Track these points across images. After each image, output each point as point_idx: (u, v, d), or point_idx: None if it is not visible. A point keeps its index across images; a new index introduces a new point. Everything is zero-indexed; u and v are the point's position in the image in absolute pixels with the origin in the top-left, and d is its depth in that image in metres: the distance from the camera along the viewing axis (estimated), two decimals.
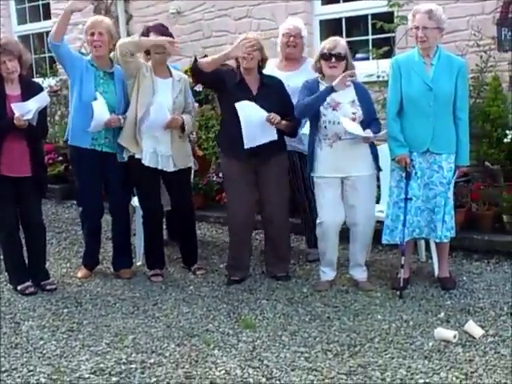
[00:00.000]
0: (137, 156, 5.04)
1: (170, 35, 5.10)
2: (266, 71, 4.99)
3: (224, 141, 5.06)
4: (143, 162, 5.01)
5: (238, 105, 4.71)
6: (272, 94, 4.78)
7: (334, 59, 4.57)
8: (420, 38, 4.45)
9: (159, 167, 5.05)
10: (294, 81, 5.04)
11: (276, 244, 5.06)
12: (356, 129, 4.51)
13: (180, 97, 5.09)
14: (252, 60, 4.78)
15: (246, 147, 4.72)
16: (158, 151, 5.02)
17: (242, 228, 4.99)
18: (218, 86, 4.90)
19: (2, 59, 4.72)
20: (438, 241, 4.66)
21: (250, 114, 4.70)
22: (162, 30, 5.10)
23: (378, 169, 4.76)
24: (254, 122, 4.69)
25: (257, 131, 4.71)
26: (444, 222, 4.57)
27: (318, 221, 4.81)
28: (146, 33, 5.08)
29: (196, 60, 4.77)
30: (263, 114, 4.68)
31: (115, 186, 5.21)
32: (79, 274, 5.40)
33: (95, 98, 4.96)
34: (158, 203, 5.21)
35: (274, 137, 4.74)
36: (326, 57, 4.59)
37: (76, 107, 5.08)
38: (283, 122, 4.75)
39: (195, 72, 4.82)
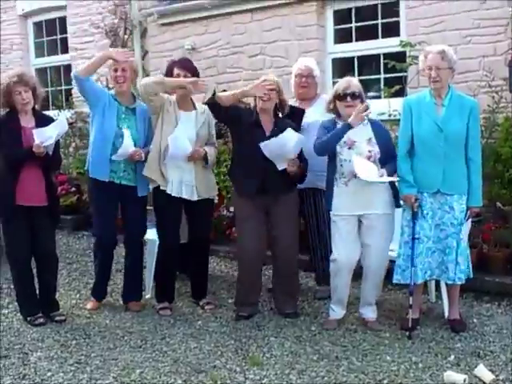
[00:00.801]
0: (161, 187, 5.07)
1: (195, 69, 5.16)
2: None
3: (235, 178, 5.10)
4: (168, 191, 5.03)
5: (289, 130, 4.73)
6: None
7: (349, 98, 4.61)
8: (433, 78, 4.48)
9: (183, 196, 5.07)
10: (309, 116, 5.13)
11: (285, 281, 5.05)
12: (368, 175, 4.50)
13: (203, 129, 5.13)
14: (269, 101, 4.83)
15: (260, 144, 4.69)
16: (182, 180, 5.05)
17: (252, 264, 4.99)
18: (234, 121, 4.93)
19: (17, 90, 4.81)
20: (450, 282, 4.63)
21: (289, 143, 4.69)
22: (187, 65, 5.13)
23: (398, 206, 4.73)
24: (283, 148, 4.68)
25: (276, 152, 4.70)
26: (457, 264, 4.54)
27: (332, 257, 4.80)
28: (170, 68, 5.12)
29: (214, 93, 4.82)
30: (293, 155, 4.72)
31: (132, 219, 5.25)
32: (88, 306, 5.41)
33: (120, 135, 5.02)
34: (176, 236, 5.23)
35: (279, 167, 4.75)
36: (340, 97, 4.63)
37: (96, 140, 5.14)
38: (294, 169, 4.78)
39: (212, 105, 4.86)
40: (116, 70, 5.09)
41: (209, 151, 5.10)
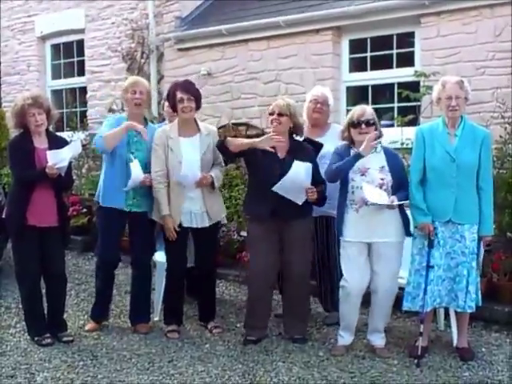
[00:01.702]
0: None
1: (197, 92, 5.13)
2: None
3: (249, 202, 5.09)
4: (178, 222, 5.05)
5: (296, 162, 4.74)
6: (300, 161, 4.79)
7: (363, 126, 4.63)
8: (452, 107, 4.49)
9: (193, 225, 5.10)
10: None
11: (295, 305, 5.03)
12: (378, 199, 4.51)
13: (208, 152, 5.10)
14: (280, 125, 4.86)
15: (273, 189, 4.73)
16: (192, 210, 5.07)
17: (262, 288, 4.98)
18: (246, 153, 4.94)
19: (31, 111, 4.86)
20: (459, 310, 4.60)
21: (299, 175, 4.71)
22: (189, 88, 5.09)
23: (408, 234, 4.73)
24: (296, 182, 4.70)
25: (291, 188, 4.72)
26: (468, 293, 4.52)
27: (341, 283, 4.79)
28: (173, 91, 5.09)
29: (225, 137, 4.90)
30: (307, 183, 4.73)
31: (140, 242, 5.27)
32: (86, 327, 5.40)
33: (130, 160, 5.06)
34: (184, 260, 5.24)
35: (300, 202, 4.77)
36: (355, 125, 4.66)
37: (109, 168, 5.20)
38: (315, 196, 4.77)
39: (221, 149, 4.96)
40: (134, 92, 5.15)
41: (215, 174, 5.08)
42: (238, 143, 4.96)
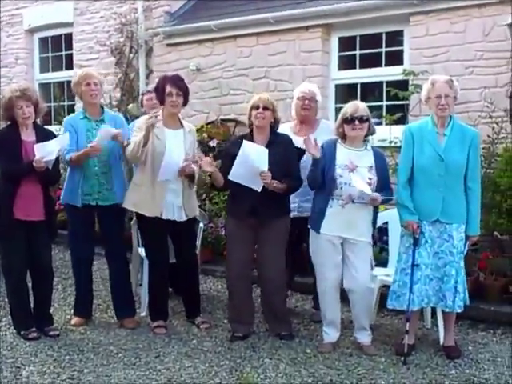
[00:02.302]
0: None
1: (186, 88, 5.13)
2: None
3: (230, 200, 5.13)
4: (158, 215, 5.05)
5: (245, 142, 4.78)
6: (277, 153, 4.80)
7: (357, 122, 4.64)
8: (442, 105, 4.49)
9: (173, 218, 5.08)
10: None
11: (272, 304, 5.05)
12: (365, 188, 4.54)
13: (190, 149, 5.12)
14: (264, 119, 4.88)
15: (229, 177, 4.77)
16: (173, 203, 5.06)
17: (238, 281, 4.99)
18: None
19: (19, 104, 4.83)
20: (448, 310, 4.62)
21: (251, 157, 4.71)
22: (178, 83, 5.08)
23: (372, 237, 4.83)
24: (249, 166, 4.71)
25: (246, 174, 4.73)
26: (457, 292, 4.54)
27: (317, 280, 4.85)
28: (162, 84, 5.07)
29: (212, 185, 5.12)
30: (262, 166, 4.71)
31: (111, 236, 5.29)
32: (73, 322, 5.39)
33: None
34: (165, 255, 5.23)
35: (258, 189, 4.75)
36: (348, 120, 4.67)
37: (71, 168, 5.24)
38: (274, 183, 4.75)
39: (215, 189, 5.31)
40: (89, 84, 5.17)
41: (197, 170, 5.08)
42: (215, 178, 4.96)
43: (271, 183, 4.74)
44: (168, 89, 5.01)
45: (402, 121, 6.58)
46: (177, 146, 5.03)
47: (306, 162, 4.96)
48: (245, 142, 4.79)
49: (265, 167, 4.71)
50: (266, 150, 4.75)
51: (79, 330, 5.23)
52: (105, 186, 5.20)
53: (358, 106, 4.71)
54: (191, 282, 5.41)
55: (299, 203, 5.21)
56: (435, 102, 4.53)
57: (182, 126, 5.17)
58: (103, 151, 5.12)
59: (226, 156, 5.05)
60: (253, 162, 4.71)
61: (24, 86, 5.00)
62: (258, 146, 4.81)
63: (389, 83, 7.00)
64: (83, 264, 5.34)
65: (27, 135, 4.92)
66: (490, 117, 6.22)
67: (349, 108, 4.72)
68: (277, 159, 4.77)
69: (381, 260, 5.73)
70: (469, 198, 4.58)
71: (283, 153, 4.88)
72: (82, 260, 5.33)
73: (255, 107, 4.90)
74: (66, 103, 9.99)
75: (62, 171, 5.67)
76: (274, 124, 5.00)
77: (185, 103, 5.15)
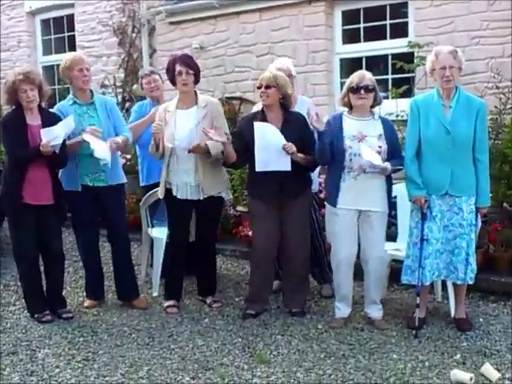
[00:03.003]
0: (168, 186, 5.11)
1: (197, 66, 5.13)
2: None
3: (252, 182, 5.06)
4: (174, 193, 5.07)
5: (256, 124, 4.76)
6: (294, 131, 4.80)
7: (362, 91, 4.62)
8: (446, 77, 4.45)
9: (189, 198, 5.07)
10: None
11: (295, 280, 5.06)
12: (374, 158, 4.52)
13: (204, 122, 5.00)
14: (268, 98, 4.85)
15: (257, 170, 4.77)
16: (187, 182, 5.05)
17: (265, 263, 5.01)
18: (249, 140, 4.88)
19: (23, 87, 4.81)
20: (460, 282, 4.63)
21: (267, 137, 4.73)
22: (188, 62, 5.08)
23: (390, 207, 4.80)
24: (270, 147, 4.72)
25: (270, 157, 4.74)
26: (469, 264, 4.55)
27: (332, 254, 4.85)
28: (172, 64, 5.07)
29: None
30: (281, 141, 4.71)
31: (112, 217, 5.29)
32: (85, 304, 5.42)
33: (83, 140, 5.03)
34: (186, 234, 5.25)
35: (288, 167, 4.75)
36: (354, 90, 4.64)
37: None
38: (300, 154, 4.77)
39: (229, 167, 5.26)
40: (81, 70, 5.15)
41: (211, 143, 4.93)
42: (227, 153, 4.93)
43: (298, 155, 4.75)
44: (178, 68, 5.01)
45: (408, 94, 6.54)
46: (187, 125, 4.97)
47: None
48: (256, 123, 4.76)
49: (284, 140, 4.71)
50: (273, 127, 4.75)
51: (92, 311, 5.28)
52: (101, 167, 5.13)
53: (364, 75, 4.68)
54: (209, 261, 5.42)
55: None
56: (440, 73, 4.49)
57: (196, 103, 5.10)
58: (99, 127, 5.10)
59: (237, 134, 5.01)
60: (271, 140, 4.71)
61: (27, 70, 4.98)
62: (268, 124, 4.78)
63: (394, 56, 6.95)
64: (90, 248, 5.36)
65: (32, 119, 4.91)
66: (497, 87, 6.17)
67: (355, 77, 4.69)
68: (295, 136, 4.78)
69: (390, 234, 5.72)
70: (478, 170, 4.55)
71: (300, 130, 4.87)
72: (88, 244, 5.34)
73: (259, 87, 4.89)
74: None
75: None
76: (285, 100, 4.94)
77: (196, 81, 5.12)
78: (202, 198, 5.09)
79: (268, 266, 5.06)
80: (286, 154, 4.72)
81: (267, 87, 4.84)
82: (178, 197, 5.07)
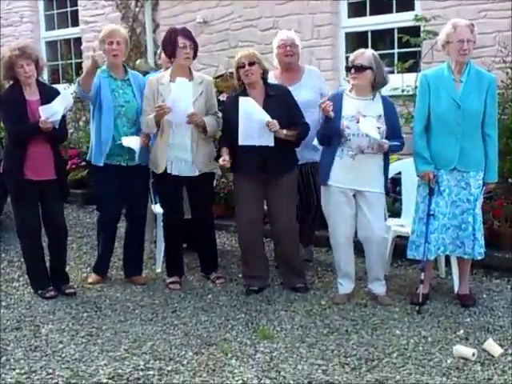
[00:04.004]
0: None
1: (196, 41, 5.08)
2: None
3: (235, 158, 4.95)
4: (168, 170, 5.05)
5: (241, 99, 4.74)
6: (279, 105, 4.78)
7: (353, 70, 4.59)
8: (464, 50, 4.39)
9: (182, 174, 5.06)
10: (299, 95, 5.08)
11: (288, 258, 5.07)
12: (372, 131, 4.48)
13: (200, 100, 5.02)
14: (253, 75, 4.81)
15: (240, 143, 4.75)
16: (181, 158, 5.03)
17: (249, 237, 5.00)
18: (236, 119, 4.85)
19: (19, 63, 4.77)
20: (467, 257, 4.61)
21: (251, 112, 4.69)
22: (191, 36, 5.05)
23: (385, 190, 4.80)
24: (254, 122, 4.69)
25: (254, 132, 4.71)
26: (476, 239, 4.53)
27: (329, 232, 4.84)
28: (174, 37, 4.99)
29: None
30: (265, 117, 4.68)
31: (135, 196, 5.27)
32: (89, 280, 5.43)
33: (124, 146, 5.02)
34: (179, 210, 5.24)
35: (271, 143, 4.71)
36: (348, 68, 4.65)
37: (98, 123, 5.14)
38: (284, 131, 4.73)
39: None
40: (111, 43, 5.06)
41: (208, 120, 4.98)
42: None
43: (281, 132, 4.71)
44: (181, 41, 4.95)
45: (414, 68, 6.46)
46: (183, 97, 4.89)
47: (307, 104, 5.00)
48: (241, 98, 4.74)
49: (268, 117, 4.68)
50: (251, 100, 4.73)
51: (96, 287, 5.29)
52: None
53: (361, 54, 4.62)
54: (207, 237, 5.42)
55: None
56: (457, 46, 4.41)
57: (192, 78, 5.06)
58: (132, 111, 5.10)
59: (227, 112, 4.99)
60: (255, 115, 4.68)
61: (22, 44, 4.92)
62: (251, 99, 4.75)
63: (400, 30, 6.85)
64: (110, 224, 5.33)
65: (31, 94, 4.87)
66: (504, 62, 6.08)
67: (352, 56, 4.66)
68: (280, 110, 4.76)
69: (394, 211, 5.71)
70: (487, 145, 4.53)
71: (283, 102, 4.84)
72: (109, 220, 5.32)
73: (241, 66, 4.83)
74: (73, 61, 9.91)
75: (72, 130, 5.63)
76: (264, 75, 4.92)
77: (194, 57, 5.10)
78: (195, 175, 5.07)
79: (255, 244, 5.05)
80: (268, 130, 4.70)
81: (250, 64, 4.79)
82: (173, 173, 5.05)
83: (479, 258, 4.60)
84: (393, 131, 4.65)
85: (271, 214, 5.02)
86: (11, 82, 4.94)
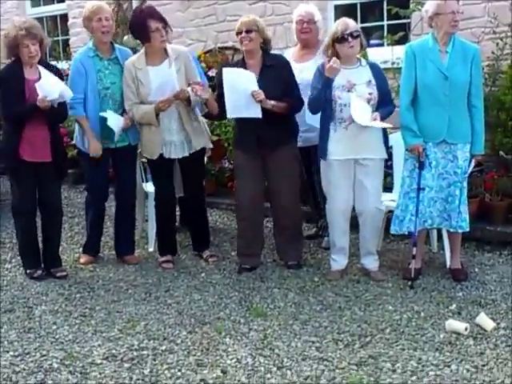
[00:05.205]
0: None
1: (165, 20, 4.87)
2: None
3: (235, 132, 5.04)
4: (163, 155, 5.01)
5: (224, 70, 4.70)
6: (274, 75, 4.73)
7: (350, 39, 4.52)
8: (455, 21, 4.37)
9: (173, 156, 5.04)
10: (310, 72, 4.97)
11: (288, 232, 5.04)
12: (363, 120, 4.45)
13: (180, 77, 4.87)
14: (250, 42, 4.74)
15: (228, 116, 4.73)
16: (171, 141, 4.99)
17: (250, 214, 4.98)
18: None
19: (25, 43, 4.67)
20: (452, 230, 4.63)
21: (236, 83, 4.64)
22: (160, 16, 4.85)
23: (388, 154, 4.76)
24: (241, 93, 4.63)
25: (241, 103, 4.65)
26: (460, 213, 4.54)
27: (327, 206, 4.83)
28: (142, 21, 4.78)
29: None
30: (250, 87, 4.62)
31: (123, 177, 5.26)
32: (82, 260, 5.42)
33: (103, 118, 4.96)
34: (170, 189, 5.22)
35: (258, 115, 4.64)
36: (340, 39, 4.53)
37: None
38: (272, 102, 4.66)
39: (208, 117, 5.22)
40: (100, 20, 4.95)
41: (192, 93, 4.82)
42: (211, 105, 4.91)
43: (267, 102, 4.64)
44: (153, 24, 4.77)
45: (404, 41, 6.39)
46: (164, 81, 4.81)
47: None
48: (224, 69, 4.71)
49: (254, 87, 4.61)
50: (251, 73, 4.67)
51: (88, 267, 5.28)
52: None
53: (348, 23, 4.57)
54: (199, 215, 5.40)
55: (300, 133, 5.13)
56: (449, 17, 4.37)
57: (167, 56, 4.93)
58: (119, 92, 5.02)
59: (218, 85, 4.91)
60: (241, 85, 4.62)
61: (29, 24, 4.75)
62: (239, 69, 4.72)
63: (389, 1, 6.78)
64: (99, 203, 5.31)
65: (31, 73, 4.79)
66: (494, 32, 6.03)
67: (339, 26, 4.57)
68: (275, 81, 4.71)
69: (385, 185, 5.69)
70: (473, 116, 4.51)
71: (280, 74, 4.78)
72: (98, 199, 5.30)
73: (239, 32, 4.77)
74: (60, 38, 9.78)
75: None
76: (265, 45, 4.85)
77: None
78: (186, 155, 5.05)
79: (254, 219, 5.02)
80: (254, 100, 4.63)
81: (248, 31, 4.72)
82: (165, 156, 5.01)
83: (460, 231, 4.61)
84: (384, 95, 4.62)
85: (271, 187, 4.98)
86: (12, 59, 4.83)
